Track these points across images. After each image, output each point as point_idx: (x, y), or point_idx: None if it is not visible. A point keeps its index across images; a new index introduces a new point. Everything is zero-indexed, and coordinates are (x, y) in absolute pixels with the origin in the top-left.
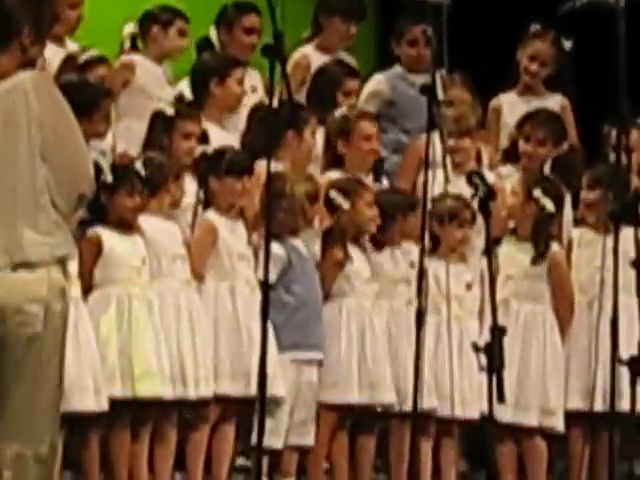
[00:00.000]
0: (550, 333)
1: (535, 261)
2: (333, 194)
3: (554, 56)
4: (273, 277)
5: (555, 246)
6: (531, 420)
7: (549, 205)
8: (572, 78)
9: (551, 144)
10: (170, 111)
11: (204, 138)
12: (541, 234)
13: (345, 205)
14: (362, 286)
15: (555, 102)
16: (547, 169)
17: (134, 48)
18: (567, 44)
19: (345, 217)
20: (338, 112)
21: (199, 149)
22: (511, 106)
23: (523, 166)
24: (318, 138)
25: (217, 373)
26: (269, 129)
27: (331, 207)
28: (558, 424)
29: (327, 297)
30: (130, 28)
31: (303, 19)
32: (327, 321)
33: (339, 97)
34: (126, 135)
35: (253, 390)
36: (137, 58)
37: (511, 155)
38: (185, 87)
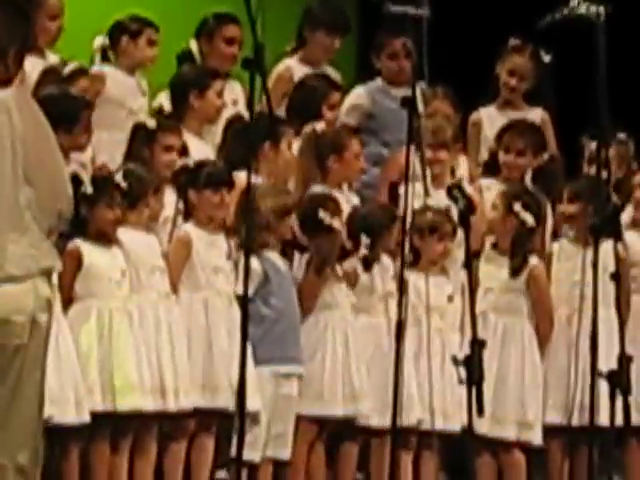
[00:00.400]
0: (529, 347)
1: (513, 274)
2: (322, 214)
3: (533, 70)
4: (250, 291)
5: (534, 260)
6: (508, 434)
7: (529, 219)
8: (552, 91)
9: (531, 154)
10: (151, 124)
11: (184, 150)
12: (519, 248)
13: (336, 225)
14: (345, 300)
15: (535, 115)
16: (528, 180)
17: (105, 60)
18: (546, 57)
19: (334, 237)
20: (319, 126)
21: (179, 162)
22: (491, 120)
23: (504, 177)
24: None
25: (191, 385)
26: (244, 141)
27: (317, 225)
28: (536, 438)
29: (308, 311)
30: (100, 40)
31: (284, 31)
32: (311, 334)
33: (324, 110)
34: (97, 146)
35: (225, 403)
36: (108, 69)
37: (491, 168)
38: (165, 99)
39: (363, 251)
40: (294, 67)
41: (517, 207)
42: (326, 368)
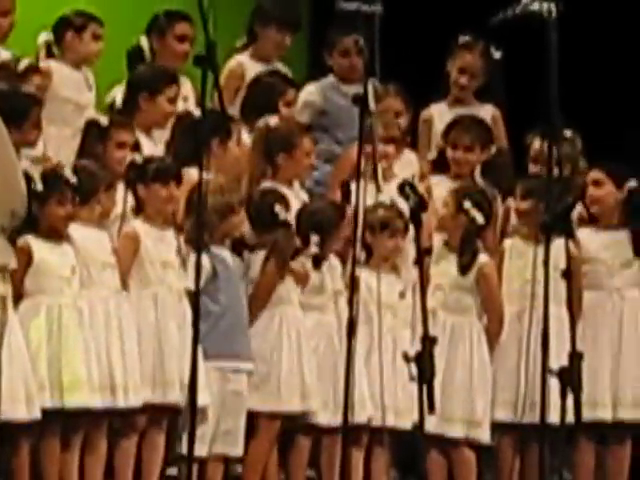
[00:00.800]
0: (477, 345)
1: (462, 272)
2: (278, 209)
3: (483, 67)
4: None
5: (484, 258)
6: (456, 432)
7: (479, 217)
8: (502, 88)
9: (479, 149)
10: (104, 121)
11: (136, 147)
12: (468, 245)
13: (291, 219)
14: (296, 296)
15: (486, 112)
16: (477, 174)
17: (50, 55)
18: (497, 54)
19: (290, 231)
20: (272, 121)
21: (128, 157)
22: (442, 117)
23: (454, 173)
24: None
25: (141, 381)
26: (193, 138)
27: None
28: (484, 436)
29: (263, 307)
30: (44, 36)
31: (234, 28)
32: (268, 329)
33: (280, 107)
34: (45, 142)
35: (175, 398)
36: (54, 65)
37: (440, 165)
38: (119, 95)
39: (313, 249)
40: (245, 63)
41: (467, 205)
42: (283, 364)
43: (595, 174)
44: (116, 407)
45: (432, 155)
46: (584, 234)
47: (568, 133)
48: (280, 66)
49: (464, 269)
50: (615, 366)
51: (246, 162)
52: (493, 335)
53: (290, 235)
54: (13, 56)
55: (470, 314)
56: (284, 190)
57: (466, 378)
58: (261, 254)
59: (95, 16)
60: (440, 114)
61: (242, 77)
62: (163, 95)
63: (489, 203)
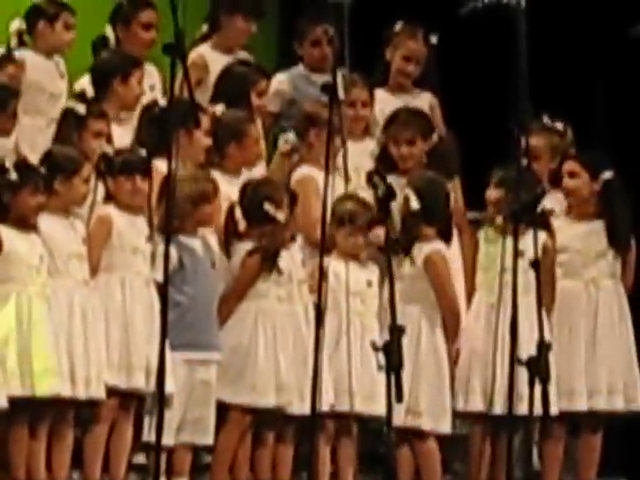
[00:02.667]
0: (430, 334)
1: (405, 255)
2: (267, 206)
3: (425, 54)
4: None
5: (431, 246)
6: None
7: (414, 203)
8: (437, 74)
9: (420, 141)
10: (81, 109)
11: (108, 137)
12: (406, 231)
13: (280, 216)
14: (274, 289)
15: (424, 100)
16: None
17: (22, 44)
18: (433, 39)
19: (279, 228)
20: (218, 109)
21: (98, 149)
22: (383, 104)
23: (401, 169)
24: None
25: (107, 366)
26: (159, 128)
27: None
28: (425, 425)
29: (239, 300)
30: (16, 24)
31: (200, 18)
32: (245, 322)
33: (253, 97)
34: (19, 131)
35: (140, 383)
36: (26, 54)
37: (384, 160)
38: (87, 84)
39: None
40: (207, 54)
41: (407, 191)
42: (258, 358)
43: (570, 165)
44: (76, 397)
45: (375, 151)
46: (559, 224)
47: (559, 125)
48: (245, 55)
49: (405, 253)
50: (591, 356)
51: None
52: (447, 325)
53: (278, 231)
54: None
55: (421, 303)
56: (233, 179)
57: (410, 368)
58: (244, 245)
59: (67, 4)
60: (381, 101)
61: (204, 68)
62: (134, 77)
63: (435, 189)
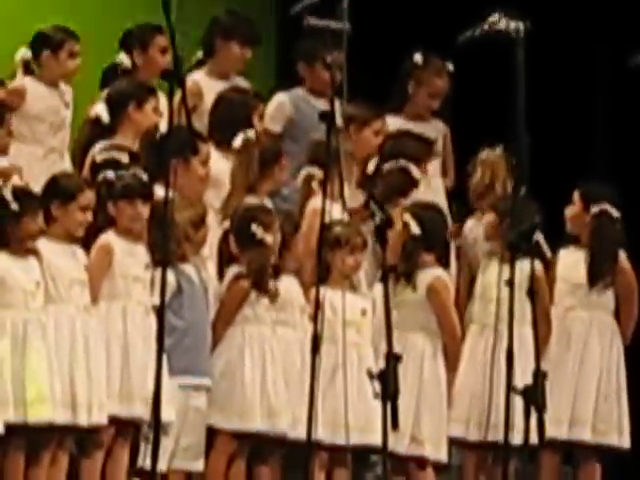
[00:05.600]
0: (432, 362)
1: (406, 282)
2: (255, 228)
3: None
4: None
5: (433, 272)
6: (400, 448)
7: (414, 228)
8: (450, 102)
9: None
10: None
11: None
12: (407, 257)
13: (268, 240)
14: (265, 314)
15: (438, 129)
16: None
17: (29, 72)
18: (450, 67)
19: (266, 251)
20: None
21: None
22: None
23: None
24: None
25: (107, 394)
26: (157, 154)
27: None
28: (428, 453)
29: (228, 325)
30: (22, 53)
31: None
32: (232, 347)
33: (255, 121)
34: (16, 160)
35: (140, 412)
36: (30, 83)
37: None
38: (101, 110)
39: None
40: (201, 80)
41: (406, 217)
42: (246, 383)
43: (575, 194)
44: (78, 424)
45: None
46: (560, 253)
47: (498, 150)
48: (240, 80)
49: (406, 280)
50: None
51: (208, 182)
52: (449, 353)
53: (266, 255)
54: None
55: (424, 331)
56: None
57: (413, 396)
58: (233, 268)
59: (72, 32)
60: (397, 129)
61: (198, 95)
62: (149, 104)
63: (434, 215)
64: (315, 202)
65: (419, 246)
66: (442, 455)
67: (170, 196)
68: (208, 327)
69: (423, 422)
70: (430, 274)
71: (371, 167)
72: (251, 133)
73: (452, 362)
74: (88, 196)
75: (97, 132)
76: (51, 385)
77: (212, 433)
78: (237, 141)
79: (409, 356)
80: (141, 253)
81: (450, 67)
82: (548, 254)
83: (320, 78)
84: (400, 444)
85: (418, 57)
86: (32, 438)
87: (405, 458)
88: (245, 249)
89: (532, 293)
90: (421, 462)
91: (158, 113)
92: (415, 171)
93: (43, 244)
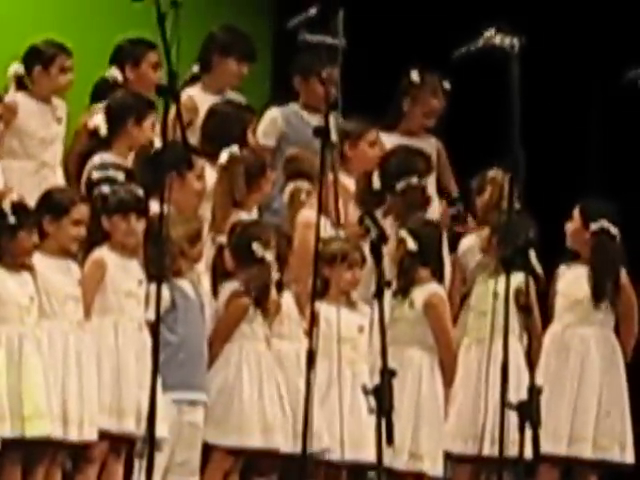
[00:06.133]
0: (429, 378)
1: (402, 297)
2: (255, 246)
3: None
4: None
5: (430, 288)
6: (399, 464)
7: (410, 244)
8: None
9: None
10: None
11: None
12: (403, 272)
13: (269, 258)
14: (260, 330)
15: (431, 145)
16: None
17: (22, 87)
18: (446, 85)
19: (266, 269)
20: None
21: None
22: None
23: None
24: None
25: (99, 409)
26: (151, 169)
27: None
28: (427, 468)
29: (225, 341)
30: (15, 68)
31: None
32: (228, 364)
33: (249, 136)
34: (7, 175)
35: (131, 427)
36: (20, 98)
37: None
38: (99, 121)
39: (276, 275)
40: (196, 95)
41: (402, 233)
42: (244, 399)
43: (575, 210)
44: (68, 439)
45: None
46: (561, 268)
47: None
48: (234, 95)
49: (402, 295)
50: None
51: (204, 197)
52: (445, 368)
53: (266, 272)
54: None
55: (421, 346)
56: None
57: (411, 411)
58: (230, 284)
59: (64, 46)
60: (393, 145)
61: (194, 110)
62: (147, 120)
63: (430, 231)
64: (304, 214)
65: (416, 262)
66: (439, 470)
67: (165, 211)
68: (204, 342)
69: (421, 437)
70: (427, 290)
71: (377, 184)
72: (235, 148)
73: (449, 377)
74: (81, 210)
75: (93, 144)
76: (48, 400)
77: (207, 449)
78: (222, 157)
79: (407, 371)
80: (135, 268)
81: (447, 85)
82: (538, 269)
83: (315, 93)
84: (399, 460)
85: (415, 75)
86: (27, 453)
87: (403, 474)
88: (244, 266)
89: (526, 308)
90: (418, 477)
91: (154, 130)
92: (430, 188)
93: (38, 259)
